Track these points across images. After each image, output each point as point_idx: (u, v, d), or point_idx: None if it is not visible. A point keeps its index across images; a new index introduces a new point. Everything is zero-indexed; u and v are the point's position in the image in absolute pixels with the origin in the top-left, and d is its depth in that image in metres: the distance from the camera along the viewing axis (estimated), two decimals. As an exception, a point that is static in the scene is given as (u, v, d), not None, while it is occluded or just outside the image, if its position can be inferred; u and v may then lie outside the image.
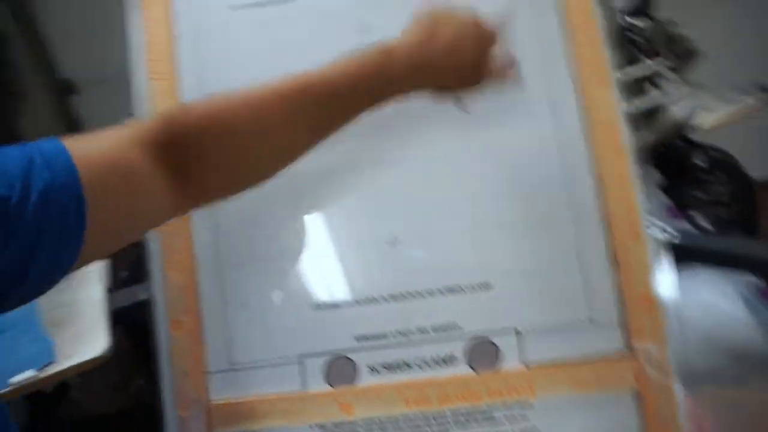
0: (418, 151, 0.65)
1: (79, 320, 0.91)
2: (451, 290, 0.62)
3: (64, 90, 2.63)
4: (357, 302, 0.63)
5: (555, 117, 0.64)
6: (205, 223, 0.65)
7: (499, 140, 0.65)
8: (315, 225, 0.65)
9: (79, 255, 0.37)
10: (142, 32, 0.68)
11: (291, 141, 0.47)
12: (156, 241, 0.65)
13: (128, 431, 1.39)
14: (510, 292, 0.62)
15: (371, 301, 0.63)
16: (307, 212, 0.66)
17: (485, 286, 0.62)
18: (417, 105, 0.64)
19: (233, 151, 0.44)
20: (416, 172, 0.65)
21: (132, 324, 0.96)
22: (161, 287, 0.63)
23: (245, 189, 0.47)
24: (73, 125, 2.65)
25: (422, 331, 0.62)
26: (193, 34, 0.68)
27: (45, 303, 0.95)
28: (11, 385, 0.78)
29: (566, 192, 0.63)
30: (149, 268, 0.65)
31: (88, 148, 0.38)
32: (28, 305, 0.92)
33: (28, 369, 0.80)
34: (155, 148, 0.41)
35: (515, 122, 0.64)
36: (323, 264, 0.64)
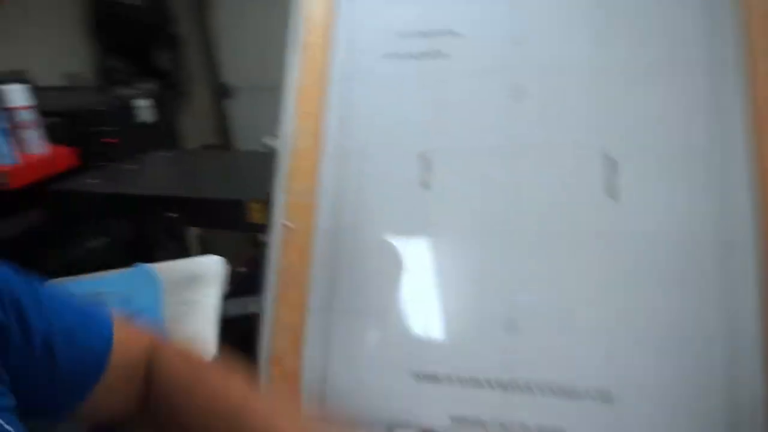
0: (556, 225, 0.60)
1: (193, 321, 0.97)
2: (566, 392, 0.56)
3: (221, 93, 2.90)
4: (459, 380, 0.59)
5: (721, 188, 0.56)
6: (324, 262, 0.65)
7: (652, 216, 0.57)
8: (430, 290, 0.62)
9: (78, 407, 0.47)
10: (298, 71, 0.70)
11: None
12: (274, 270, 0.66)
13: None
14: (635, 412, 0.54)
15: (475, 382, 0.58)
16: (426, 275, 0.63)
17: (606, 397, 0.55)
18: (554, 174, 0.60)
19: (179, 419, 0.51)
20: (552, 248, 0.60)
21: (239, 332, 1.00)
22: (270, 320, 0.64)
23: None
24: (224, 124, 2.91)
25: (524, 428, 0.56)
26: (345, 78, 0.70)
27: (171, 296, 1.03)
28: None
29: (725, 304, 0.54)
30: (263, 295, 0.66)
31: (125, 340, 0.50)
32: (154, 296, 1.00)
33: (143, 360, 0.86)
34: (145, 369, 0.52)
35: (670, 192, 0.57)
36: (431, 332, 0.61)
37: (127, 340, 0.51)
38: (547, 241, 0.60)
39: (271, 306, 0.65)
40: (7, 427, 0.38)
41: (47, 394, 0.45)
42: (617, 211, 0.58)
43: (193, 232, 1.73)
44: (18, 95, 1.23)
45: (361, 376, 0.62)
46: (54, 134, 1.37)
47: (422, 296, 0.62)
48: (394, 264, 0.64)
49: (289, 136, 0.69)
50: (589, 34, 0.63)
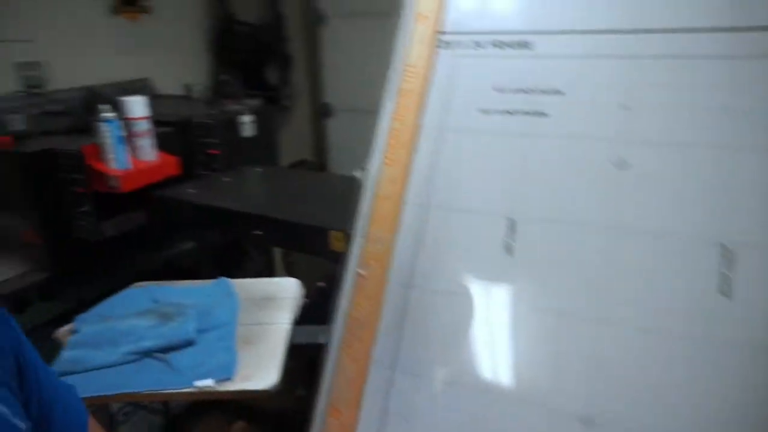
0: (650, 320, 0.54)
1: (263, 344, 0.99)
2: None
3: (322, 112, 3.00)
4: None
5: None
6: (393, 316, 0.63)
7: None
8: (501, 364, 0.59)
9: None
10: (391, 116, 0.70)
11: None
12: (343, 316, 0.65)
13: (281, 429, 1.50)
14: None
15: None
16: (498, 347, 0.59)
17: None
18: (655, 261, 0.54)
19: None
20: (640, 344, 0.54)
21: (305, 360, 1.01)
22: (333, 368, 0.63)
23: None
24: (321, 142, 3.01)
25: None
26: (437, 128, 0.68)
27: (245, 316, 1.06)
28: (195, 387, 0.87)
29: None
30: (330, 339, 0.65)
31: None
32: (231, 312, 1.02)
33: (210, 377, 0.88)
34: None
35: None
36: (498, 414, 0.57)
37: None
38: (634, 336, 0.54)
39: (336, 353, 0.64)
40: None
41: None
42: (728, 311, 0.52)
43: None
44: (138, 107, 1.34)
45: (416, 443, 0.59)
46: (164, 142, 1.48)
47: (492, 369, 0.59)
48: (465, 329, 0.61)
49: (374, 181, 0.69)
50: (713, 107, 0.57)
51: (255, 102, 1.89)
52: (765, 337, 0.50)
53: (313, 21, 2.85)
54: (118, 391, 0.85)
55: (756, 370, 0.49)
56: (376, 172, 0.69)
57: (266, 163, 1.78)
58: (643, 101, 0.60)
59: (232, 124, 1.74)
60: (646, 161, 0.58)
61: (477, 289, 0.61)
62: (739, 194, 0.54)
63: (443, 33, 0.72)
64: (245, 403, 1.59)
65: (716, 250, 0.53)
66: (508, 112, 0.66)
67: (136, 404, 1.53)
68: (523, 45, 0.67)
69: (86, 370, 0.87)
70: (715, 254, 0.53)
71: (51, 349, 0.91)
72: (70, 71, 2.00)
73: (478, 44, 0.70)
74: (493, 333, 0.60)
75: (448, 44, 0.72)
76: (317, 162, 2.98)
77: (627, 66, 0.61)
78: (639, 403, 0.52)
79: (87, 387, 0.84)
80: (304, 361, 1.09)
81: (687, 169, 0.56)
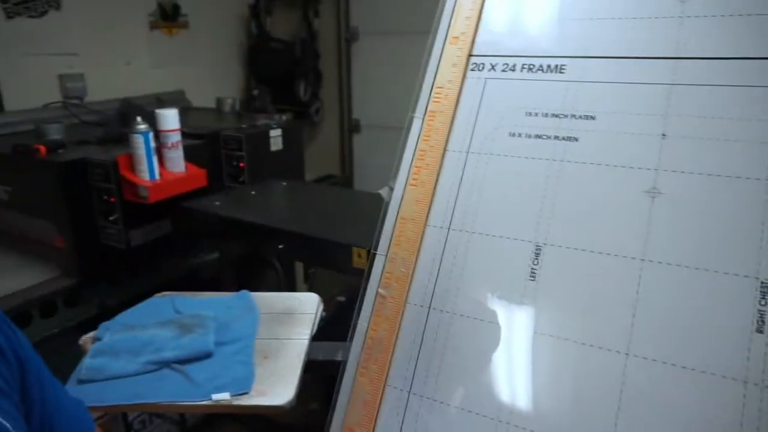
0: (679, 357, 0.52)
1: (281, 359, 0.98)
2: None
3: (350, 127, 3.03)
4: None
5: None
6: (411, 339, 0.62)
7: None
8: (519, 394, 0.57)
9: None
10: (418, 136, 0.70)
11: None
12: (361, 336, 0.64)
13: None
14: None
15: None
16: (516, 376, 0.57)
17: None
18: (690, 298, 0.52)
19: None
20: (665, 382, 0.52)
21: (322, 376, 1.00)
22: (348, 391, 0.62)
23: None
24: (346, 153, 3.03)
25: None
26: (464, 151, 0.67)
27: (264, 330, 1.05)
28: (212, 400, 0.87)
29: None
30: (348, 359, 0.64)
31: None
32: (251, 327, 1.02)
33: (226, 390, 0.88)
34: None
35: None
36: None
37: None
38: (660, 372, 0.51)
39: (352, 374, 0.63)
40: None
41: None
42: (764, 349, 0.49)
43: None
44: (170, 119, 1.37)
45: (431, 470, 0.57)
46: (193, 154, 1.50)
47: (510, 398, 0.57)
48: (484, 354, 0.59)
49: (399, 201, 0.68)
50: (752, 138, 0.55)
51: (284, 116, 1.91)
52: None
53: (346, 38, 2.89)
54: (137, 401, 0.85)
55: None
56: (401, 193, 0.68)
57: (293, 177, 1.79)
58: (679, 129, 0.58)
59: (260, 138, 1.76)
60: (680, 191, 0.56)
61: (498, 315, 0.60)
62: (779, 229, 0.51)
63: (474, 55, 0.72)
64: (260, 417, 1.59)
65: (752, 285, 0.50)
66: (538, 136, 0.64)
67: (152, 413, 1.53)
68: (556, 69, 0.66)
69: (106, 379, 0.88)
70: (751, 290, 0.50)
71: (76, 355, 0.92)
72: (108, 83, 2.07)
73: (509, 66, 0.69)
74: (513, 360, 0.58)
75: (478, 66, 0.71)
76: (343, 177, 3.00)
77: (662, 93, 0.59)
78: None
79: (106, 396, 0.85)
80: (320, 376, 1.08)
81: (722, 202, 0.54)
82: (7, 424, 0.39)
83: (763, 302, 0.50)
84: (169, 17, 2.31)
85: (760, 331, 0.49)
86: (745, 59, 0.57)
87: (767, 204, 0.52)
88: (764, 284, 0.50)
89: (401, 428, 0.60)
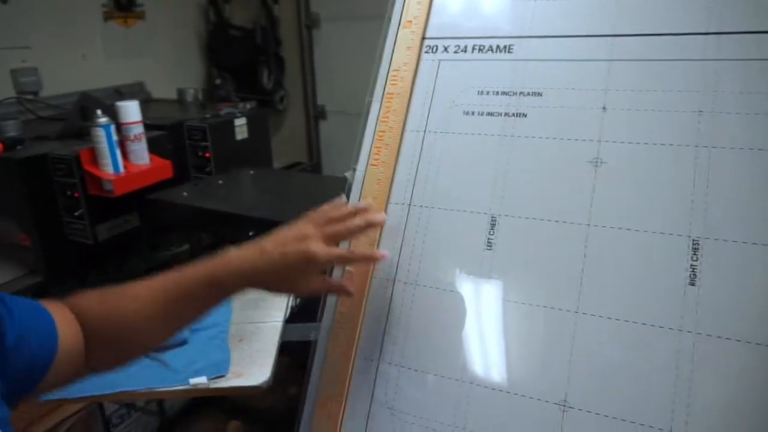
0: (627, 313, 0.56)
1: (256, 341, 1.01)
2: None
3: (315, 114, 3.03)
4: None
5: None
6: (377, 311, 0.65)
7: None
8: (482, 355, 0.61)
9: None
10: (376, 119, 0.72)
11: (159, 325, 0.58)
12: (330, 312, 0.67)
13: (275, 426, 1.51)
14: None
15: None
16: (479, 339, 0.61)
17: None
18: (632, 257, 0.57)
19: (115, 330, 0.57)
20: (620, 336, 0.56)
21: (297, 356, 1.02)
22: (320, 366, 0.65)
23: (127, 360, 0.61)
24: (312, 139, 3.03)
25: None
26: (420, 131, 0.70)
27: (238, 315, 1.07)
28: (190, 385, 0.89)
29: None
30: (319, 336, 0.67)
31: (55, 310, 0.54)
32: (224, 312, 1.04)
33: (204, 374, 0.90)
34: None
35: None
36: (483, 401, 0.59)
37: (62, 320, 0.54)
38: (609, 327, 0.56)
39: (323, 347, 0.66)
40: None
41: (19, 379, 0.48)
42: (697, 300, 0.54)
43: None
44: (131, 111, 1.36)
45: (402, 427, 0.61)
46: (157, 146, 1.50)
47: (474, 361, 0.61)
48: (447, 321, 0.63)
49: (361, 182, 0.71)
50: (687, 108, 0.59)
51: (248, 105, 1.91)
52: (730, 323, 0.52)
53: (306, 24, 2.88)
54: (115, 390, 0.87)
55: (722, 356, 0.52)
56: (363, 174, 0.71)
57: (260, 166, 1.80)
58: (618, 102, 0.62)
59: (225, 127, 1.76)
60: (621, 160, 0.60)
61: (458, 284, 0.63)
62: (708, 190, 0.56)
63: (428, 38, 0.75)
64: (239, 403, 1.61)
65: (685, 243, 0.55)
66: (490, 114, 0.68)
67: (130, 406, 1.54)
68: (504, 49, 0.70)
69: (81, 370, 0.89)
70: (684, 247, 0.55)
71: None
72: (64, 77, 2.02)
73: (461, 48, 0.72)
74: (474, 325, 0.62)
75: (432, 48, 0.74)
76: (311, 164, 3.00)
77: (601, 69, 0.63)
78: (612, 389, 0.55)
79: (84, 387, 0.86)
80: (296, 360, 1.10)
81: (658, 168, 0.59)
82: None
83: (694, 258, 0.55)
84: (123, 7, 2.26)
85: (692, 284, 0.54)
86: (676, 35, 0.61)
87: (697, 168, 0.57)
88: (695, 241, 0.55)
89: (372, 395, 0.63)
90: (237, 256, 0.57)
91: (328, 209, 0.62)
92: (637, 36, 0.63)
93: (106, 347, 0.57)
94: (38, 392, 0.52)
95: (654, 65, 0.62)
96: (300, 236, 0.58)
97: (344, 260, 0.65)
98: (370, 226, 0.61)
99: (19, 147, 1.42)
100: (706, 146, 0.57)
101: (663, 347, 0.54)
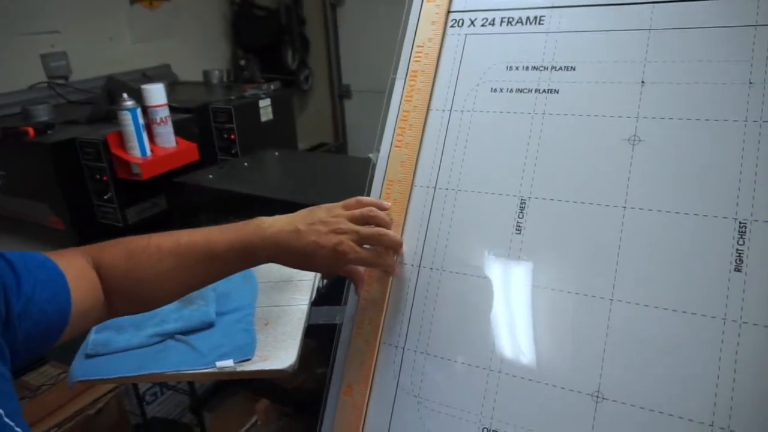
0: (666, 300, 0.53)
1: (282, 325, 1.00)
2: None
3: (340, 94, 2.99)
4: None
5: None
6: (403, 298, 0.64)
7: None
8: (512, 343, 0.59)
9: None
10: (400, 98, 0.70)
11: (181, 282, 0.60)
12: (354, 301, 0.66)
13: (304, 406, 1.53)
14: None
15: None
16: (508, 327, 0.59)
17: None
18: (671, 242, 0.53)
19: (135, 283, 0.58)
20: (654, 325, 0.53)
21: (323, 339, 1.02)
22: (345, 350, 0.64)
23: (147, 309, 0.65)
24: (338, 119, 3.01)
25: None
26: (446, 110, 0.67)
27: (264, 298, 1.07)
28: (217, 368, 0.89)
29: None
30: (344, 319, 0.66)
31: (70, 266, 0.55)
32: (250, 295, 1.04)
33: (230, 358, 0.91)
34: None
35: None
36: (510, 390, 0.57)
37: (76, 275, 0.55)
38: (647, 314, 0.53)
39: (348, 334, 0.65)
40: (17, 429, 0.41)
41: (36, 339, 0.50)
42: (742, 288, 0.50)
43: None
44: (157, 94, 1.36)
45: (427, 421, 0.60)
46: (183, 129, 1.50)
47: (501, 348, 0.59)
48: (474, 307, 0.61)
49: (385, 163, 0.69)
50: (735, 81, 0.55)
51: (273, 86, 1.90)
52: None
53: (331, 2, 2.83)
54: (143, 372, 0.88)
55: (771, 349, 0.48)
56: (387, 155, 0.69)
57: (285, 147, 1.79)
58: (659, 75, 0.58)
59: (250, 109, 1.75)
60: (660, 137, 0.56)
61: (485, 269, 0.61)
62: (758, 169, 0.52)
63: (453, 11, 0.71)
64: (268, 383, 1.63)
65: (731, 226, 0.52)
66: (519, 90, 0.64)
67: (163, 385, 1.58)
68: (535, 20, 0.66)
69: (111, 352, 0.90)
70: (729, 230, 0.52)
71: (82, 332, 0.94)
72: (92, 61, 2.04)
73: (488, 21, 0.69)
74: (501, 311, 0.60)
75: (458, 22, 0.70)
76: (336, 144, 2.98)
77: (640, 39, 0.59)
78: (649, 380, 0.52)
79: (113, 368, 0.87)
80: (323, 340, 1.10)
81: (701, 145, 0.54)
82: None
83: (741, 242, 0.51)
84: (149, -10, 2.26)
85: (738, 269, 0.51)
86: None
87: (745, 145, 0.53)
88: (742, 224, 0.51)
89: (398, 382, 0.62)
90: (273, 230, 0.58)
91: (367, 204, 0.63)
92: (678, 1, 0.59)
93: (127, 298, 0.59)
94: (60, 341, 0.54)
95: (697, 33, 0.57)
96: (335, 229, 0.58)
97: (370, 265, 0.64)
98: (400, 246, 0.63)
99: (49, 131, 1.44)
100: (756, 121, 0.53)
101: (705, 337, 0.50)
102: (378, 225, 0.61)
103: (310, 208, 0.62)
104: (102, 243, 0.60)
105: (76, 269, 0.55)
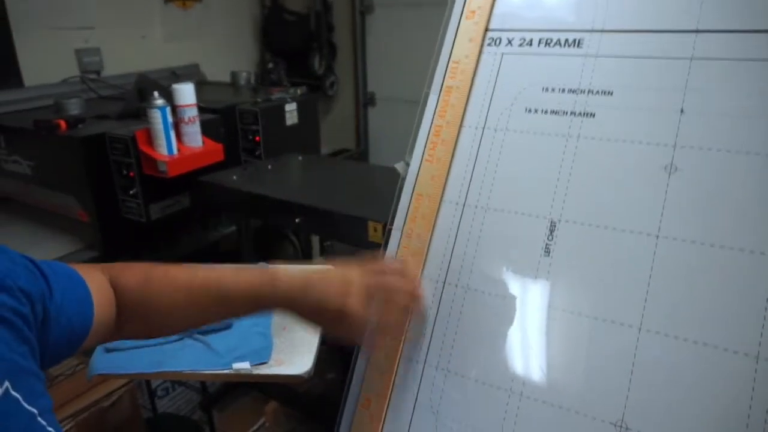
0: (696, 336, 0.52)
1: (299, 330, 1.00)
2: None
3: (365, 101, 3.01)
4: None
5: None
6: (426, 315, 0.63)
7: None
8: (533, 367, 0.58)
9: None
10: (433, 113, 0.70)
11: (190, 317, 0.60)
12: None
13: (312, 411, 1.53)
14: None
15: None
16: (531, 349, 0.59)
17: None
18: (708, 277, 0.52)
19: (148, 310, 0.59)
20: (679, 358, 0.52)
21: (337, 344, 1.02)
22: (365, 362, 0.64)
23: (154, 336, 0.67)
24: (361, 126, 3.02)
25: None
26: (479, 127, 0.67)
27: (281, 302, 1.08)
28: (233, 369, 0.90)
29: None
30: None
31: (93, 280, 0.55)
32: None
33: (246, 360, 0.91)
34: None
35: None
36: (531, 417, 0.56)
37: (97, 291, 0.55)
38: (674, 346, 0.52)
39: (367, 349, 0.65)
40: (49, 428, 0.41)
41: (60, 347, 0.50)
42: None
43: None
44: (186, 94, 1.37)
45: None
46: (210, 129, 1.51)
47: (524, 370, 0.58)
48: (498, 327, 0.60)
49: (415, 177, 0.69)
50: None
51: (299, 90, 1.91)
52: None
53: (361, 10, 2.85)
54: (160, 369, 0.89)
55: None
56: (417, 169, 0.69)
57: (308, 151, 1.80)
58: (699, 105, 0.57)
59: (276, 112, 1.76)
60: (697, 167, 0.56)
61: (511, 289, 0.61)
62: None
63: (491, 30, 0.71)
64: (279, 385, 1.63)
65: (767, 262, 0.51)
66: (554, 112, 0.64)
67: (175, 381, 1.59)
68: (574, 43, 0.65)
69: (131, 348, 0.91)
70: (765, 266, 0.51)
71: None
72: (124, 57, 2.08)
73: (526, 41, 0.68)
74: (526, 334, 0.59)
75: (495, 41, 0.70)
76: (358, 151, 2.99)
77: (681, 67, 0.58)
78: (676, 414, 0.51)
79: (131, 364, 0.88)
80: (337, 347, 1.10)
81: (738, 178, 0.54)
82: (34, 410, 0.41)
83: (778, 279, 0.50)
84: (183, -10, 2.29)
85: (773, 306, 0.50)
86: (763, 32, 0.56)
87: (787, 181, 0.52)
88: (778, 260, 0.50)
89: (416, 398, 0.62)
90: (285, 281, 0.58)
91: (382, 260, 0.63)
92: (723, 32, 0.58)
93: (138, 323, 0.60)
94: (74, 354, 0.54)
95: (740, 65, 0.56)
96: (345, 282, 0.58)
97: (377, 324, 0.62)
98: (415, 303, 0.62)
99: (80, 125, 1.47)
100: (797, 157, 0.52)
101: (737, 373, 0.49)
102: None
103: (326, 265, 0.62)
104: (121, 264, 0.60)
105: (98, 285, 0.56)
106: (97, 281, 0.56)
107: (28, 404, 0.40)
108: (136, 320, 0.59)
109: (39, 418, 0.41)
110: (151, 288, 0.59)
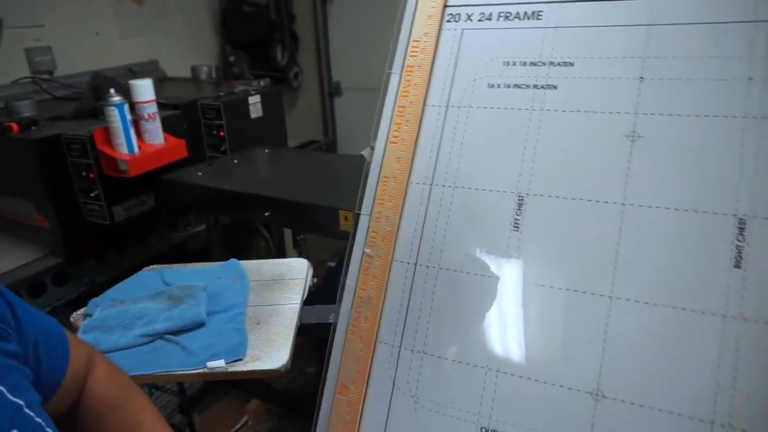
0: (663, 297, 0.53)
1: (274, 324, 0.99)
2: None
3: (330, 91, 2.98)
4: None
5: None
6: (399, 295, 0.63)
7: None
8: (508, 341, 0.58)
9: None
10: (395, 93, 0.69)
11: None
12: (350, 296, 0.65)
13: (294, 406, 1.52)
14: None
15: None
16: (504, 324, 0.59)
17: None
18: (671, 240, 0.53)
19: (105, 413, 0.59)
20: (652, 320, 0.53)
21: (315, 339, 1.01)
22: (340, 350, 0.63)
23: None
24: (328, 117, 3.00)
25: None
26: (443, 105, 0.67)
27: (255, 297, 1.06)
28: (208, 368, 0.88)
29: None
30: (339, 320, 0.65)
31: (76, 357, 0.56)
32: (241, 294, 1.02)
33: (221, 358, 0.89)
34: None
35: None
36: (508, 389, 0.56)
37: (77, 354, 0.57)
38: (645, 311, 0.53)
39: (343, 333, 0.64)
40: (38, 419, 0.42)
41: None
42: (742, 284, 0.50)
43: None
44: (144, 90, 1.33)
45: (424, 421, 0.59)
46: (172, 125, 1.47)
47: (500, 346, 0.58)
48: (471, 305, 0.60)
49: (380, 160, 0.68)
50: (734, 77, 0.54)
51: (263, 82, 1.87)
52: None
53: (320, -1, 2.81)
54: (133, 374, 0.86)
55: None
56: (382, 151, 0.68)
57: (275, 144, 1.77)
58: (659, 71, 0.57)
59: (240, 105, 1.73)
60: (659, 134, 0.56)
61: (483, 267, 0.60)
62: (758, 165, 0.52)
63: (450, 6, 0.70)
64: (258, 383, 1.62)
65: (730, 222, 0.51)
66: (517, 86, 0.64)
67: (151, 385, 1.55)
68: (533, 15, 0.65)
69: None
70: (729, 226, 0.51)
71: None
72: (78, 55, 2.00)
73: (485, 15, 0.68)
74: (500, 310, 0.59)
75: (454, 17, 0.69)
76: (326, 142, 2.97)
77: (639, 34, 0.59)
78: (649, 378, 0.51)
79: (101, 369, 0.85)
80: (314, 339, 1.09)
81: (700, 142, 0.54)
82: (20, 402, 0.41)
83: (740, 238, 0.51)
84: (135, -16, 2.22)
85: (737, 266, 0.50)
86: (722, -4, 0.56)
87: (744, 141, 0.52)
88: (741, 220, 0.51)
89: (394, 381, 0.61)
90: None
91: None
92: (678, -2, 0.58)
93: (90, 414, 0.60)
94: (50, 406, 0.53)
95: (698, 29, 0.57)
96: None
97: None
98: None
99: (33, 127, 1.41)
100: (755, 117, 0.52)
101: (705, 334, 0.50)
102: None
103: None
104: (99, 371, 0.62)
105: (75, 344, 0.57)
106: (74, 341, 0.57)
107: (13, 396, 0.41)
108: (91, 414, 0.59)
109: (26, 410, 0.41)
110: (118, 401, 0.61)
